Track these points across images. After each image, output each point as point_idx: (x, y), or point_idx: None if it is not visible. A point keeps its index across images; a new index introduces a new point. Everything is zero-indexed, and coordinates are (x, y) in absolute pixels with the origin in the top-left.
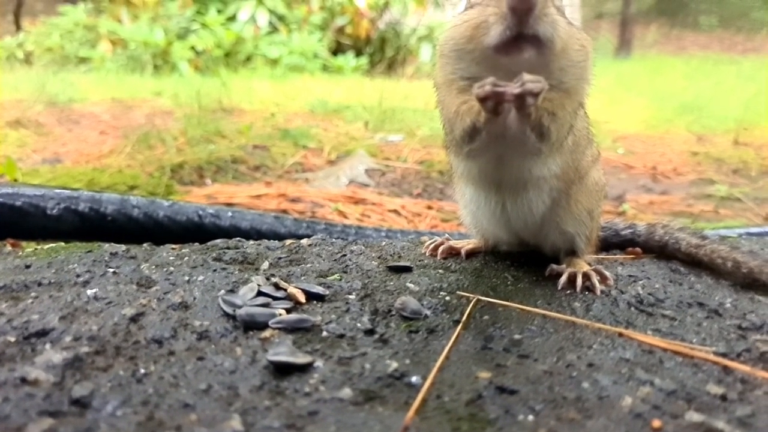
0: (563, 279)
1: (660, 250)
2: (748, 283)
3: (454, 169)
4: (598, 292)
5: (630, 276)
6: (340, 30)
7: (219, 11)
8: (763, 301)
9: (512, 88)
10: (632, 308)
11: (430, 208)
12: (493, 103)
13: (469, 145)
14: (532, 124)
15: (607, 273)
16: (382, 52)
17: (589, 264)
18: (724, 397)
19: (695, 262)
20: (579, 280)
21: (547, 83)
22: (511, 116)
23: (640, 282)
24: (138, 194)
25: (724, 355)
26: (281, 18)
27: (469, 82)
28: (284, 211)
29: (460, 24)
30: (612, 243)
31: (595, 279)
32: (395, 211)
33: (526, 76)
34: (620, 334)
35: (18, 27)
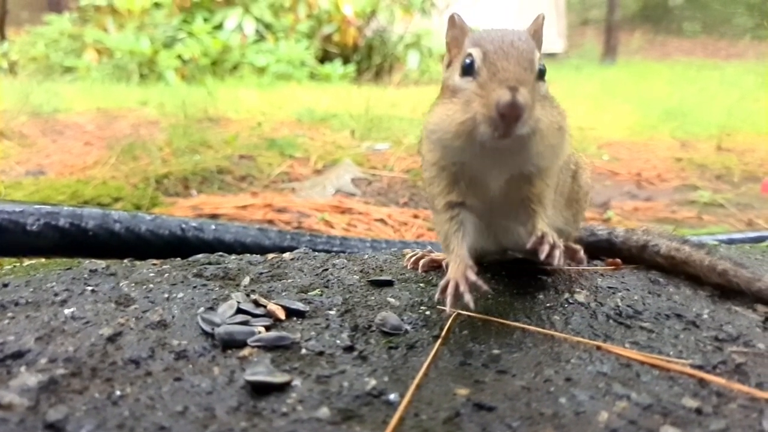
0: (532, 240)
1: (638, 253)
2: (722, 285)
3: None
4: (556, 262)
5: (609, 287)
6: (328, 38)
7: (205, 20)
8: (739, 312)
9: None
10: (611, 321)
11: (416, 217)
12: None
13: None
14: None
15: (580, 250)
16: (369, 59)
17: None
18: (699, 411)
19: (673, 265)
20: (545, 247)
21: (527, 169)
22: None
23: (620, 293)
24: (122, 206)
25: (700, 367)
26: (268, 26)
27: (456, 166)
28: (270, 222)
29: (444, 119)
30: (589, 242)
31: (557, 252)
32: (382, 221)
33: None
34: (598, 348)
35: (2, 36)
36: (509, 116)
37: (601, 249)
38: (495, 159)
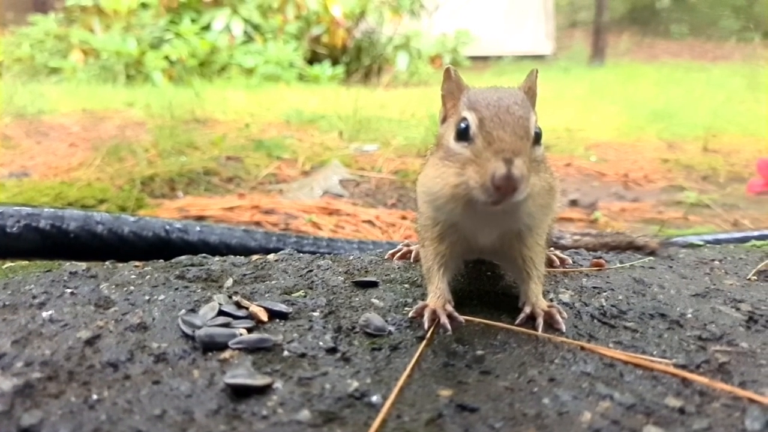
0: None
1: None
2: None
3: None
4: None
5: (594, 287)
6: (316, 39)
7: (193, 20)
8: (723, 311)
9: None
10: (595, 321)
11: (404, 218)
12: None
13: None
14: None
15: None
16: (358, 61)
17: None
18: (682, 410)
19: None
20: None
21: (516, 227)
22: None
23: (604, 294)
24: (107, 208)
25: (683, 367)
26: (256, 27)
27: (448, 222)
28: (258, 223)
29: (438, 182)
30: None
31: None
32: (369, 222)
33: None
34: (582, 348)
35: None
36: (505, 188)
37: None
38: (485, 218)
